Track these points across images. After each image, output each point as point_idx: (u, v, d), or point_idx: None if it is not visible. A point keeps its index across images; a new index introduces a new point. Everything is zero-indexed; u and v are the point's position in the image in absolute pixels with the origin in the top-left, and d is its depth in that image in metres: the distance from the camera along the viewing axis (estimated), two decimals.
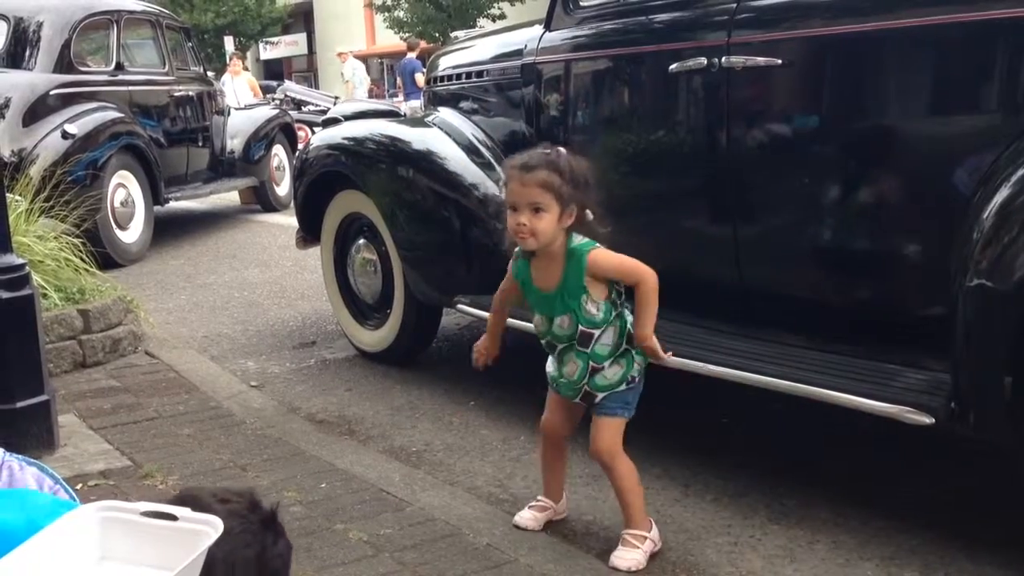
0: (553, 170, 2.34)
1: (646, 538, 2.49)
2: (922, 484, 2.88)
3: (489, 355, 2.71)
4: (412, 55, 16.69)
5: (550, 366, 2.60)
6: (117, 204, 7.07)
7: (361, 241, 4.30)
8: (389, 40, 31.85)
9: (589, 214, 2.42)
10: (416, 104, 13.99)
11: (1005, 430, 2.25)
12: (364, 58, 39.44)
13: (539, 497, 2.72)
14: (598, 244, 2.43)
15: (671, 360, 2.89)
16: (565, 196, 2.34)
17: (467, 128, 4.04)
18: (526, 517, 2.67)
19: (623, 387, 2.47)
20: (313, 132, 8.28)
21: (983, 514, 2.69)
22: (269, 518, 1.30)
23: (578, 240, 2.42)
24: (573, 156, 2.43)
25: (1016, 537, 2.49)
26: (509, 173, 2.42)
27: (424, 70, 15.33)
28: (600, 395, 2.48)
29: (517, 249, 2.52)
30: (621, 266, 2.42)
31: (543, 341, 2.56)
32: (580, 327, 2.44)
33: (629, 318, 2.49)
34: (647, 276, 2.41)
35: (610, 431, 2.49)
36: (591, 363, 2.47)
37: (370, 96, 25.60)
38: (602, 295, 2.43)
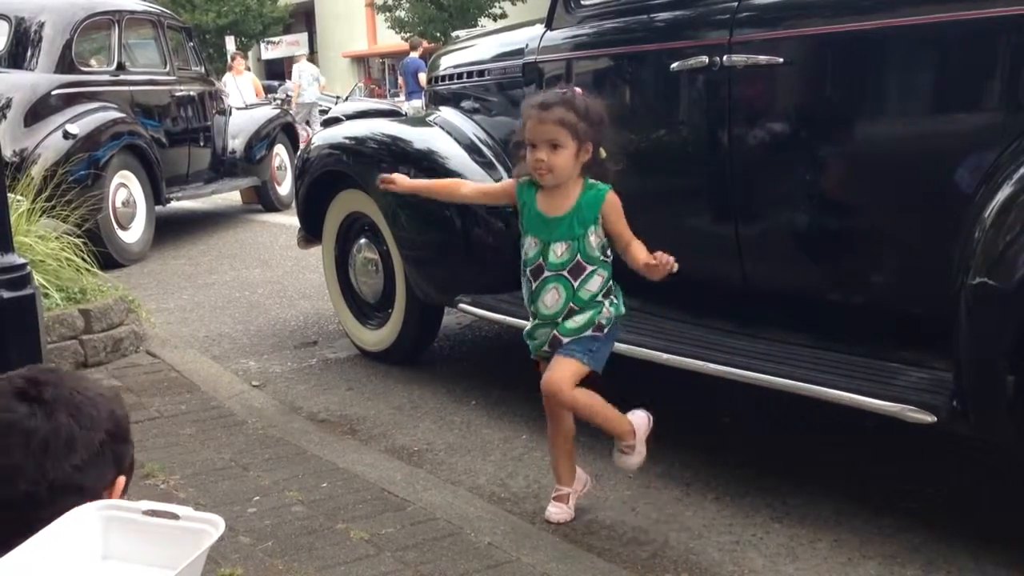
0: (569, 108, 2.45)
1: (634, 443, 2.66)
2: (924, 483, 2.88)
3: (394, 181, 2.85)
4: (414, 54, 16.69)
5: (527, 302, 2.66)
6: (118, 204, 7.06)
7: (362, 240, 4.30)
8: (391, 40, 31.86)
9: (603, 151, 2.52)
10: (418, 103, 14.01)
11: (1007, 429, 2.25)
12: (366, 58, 39.54)
13: (557, 487, 2.74)
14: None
15: (672, 359, 2.90)
16: (581, 133, 2.45)
17: (468, 127, 4.04)
18: (555, 512, 2.72)
19: (588, 331, 2.55)
20: (315, 132, 8.29)
21: (985, 513, 2.68)
22: (21, 390, 1.23)
23: (595, 181, 2.54)
24: (588, 96, 2.55)
25: (1018, 536, 2.49)
26: (527, 112, 2.52)
27: (418, 69, 15.43)
28: (566, 339, 2.57)
29: (525, 177, 2.60)
30: (623, 219, 2.55)
31: (528, 268, 2.61)
32: (578, 256, 2.53)
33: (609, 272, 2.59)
34: (638, 241, 2.55)
35: (564, 369, 2.55)
36: (570, 303, 2.54)
37: (371, 96, 25.63)
38: (601, 235, 2.54)
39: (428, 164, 3.92)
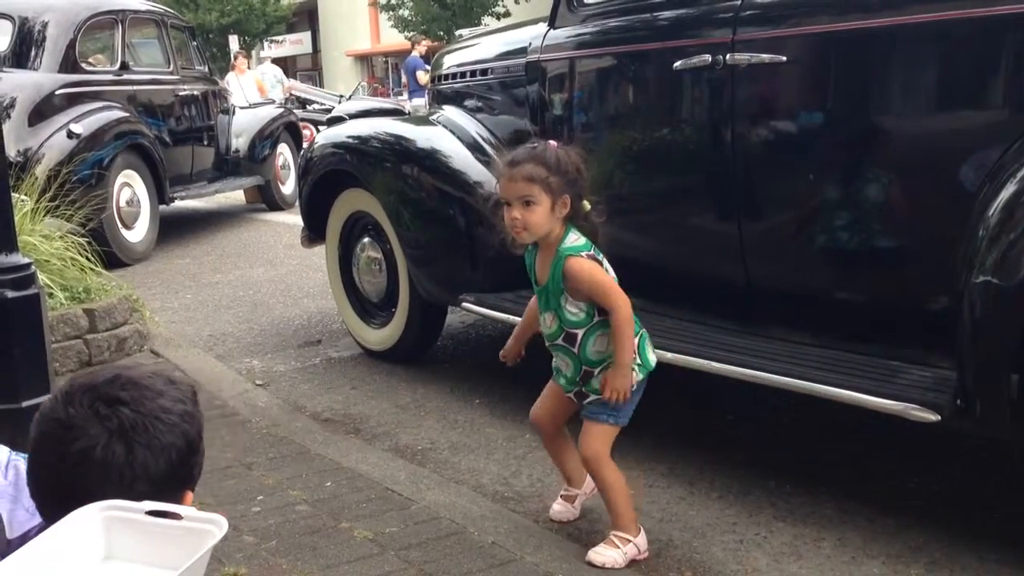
0: (539, 163, 2.37)
1: (630, 541, 2.46)
2: (928, 481, 2.88)
3: (510, 355, 2.72)
4: (415, 53, 16.69)
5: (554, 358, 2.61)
6: (122, 203, 7.08)
7: (366, 240, 4.30)
8: (394, 39, 31.85)
9: (586, 204, 2.43)
10: (419, 102, 14.04)
11: (1010, 427, 2.25)
12: (369, 57, 39.54)
13: (566, 487, 2.74)
14: (589, 248, 2.41)
15: (675, 358, 2.90)
16: (554, 187, 2.36)
17: (472, 126, 4.04)
18: (558, 510, 2.71)
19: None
20: (318, 131, 8.29)
21: (988, 511, 2.68)
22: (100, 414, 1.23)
23: (571, 240, 2.41)
24: (564, 148, 2.45)
25: (1022, 534, 2.49)
26: (500, 171, 2.46)
27: (427, 68, 15.44)
28: (591, 396, 2.48)
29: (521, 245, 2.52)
30: (593, 283, 2.38)
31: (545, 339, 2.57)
32: (564, 327, 2.45)
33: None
34: (620, 304, 2.37)
35: (596, 437, 2.46)
36: (583, 366, 2.47)
37: (374, 95, 25.61)
38: (585, 299, 2.41)
39: (431, 163, 3.92)
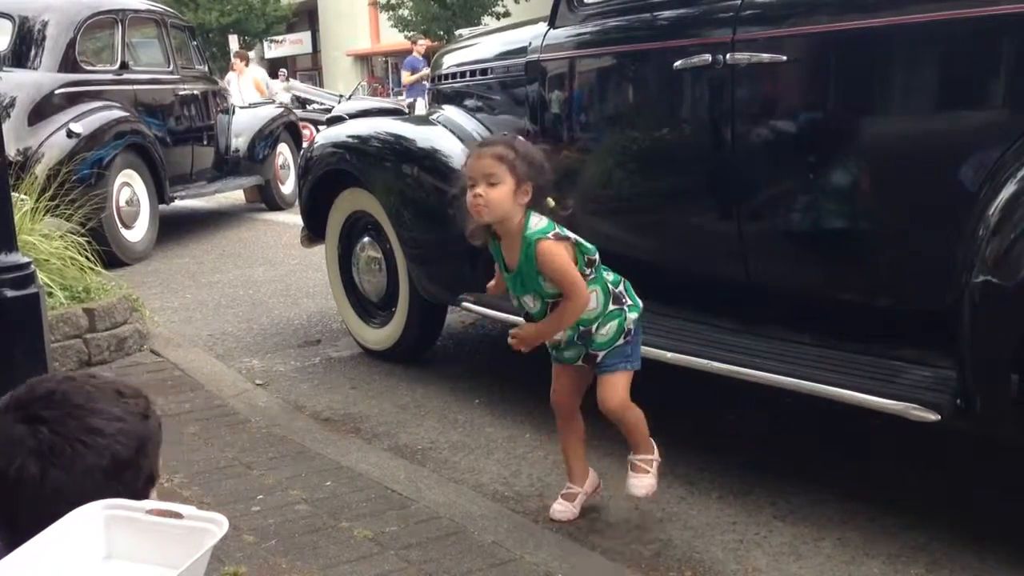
0: (508, 147, 2.47)
1: (653, 460, 2.65)
2: (928, 481, 2.88)
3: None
4: (414, 53, 16.70)
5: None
6: (122, 203, 7.07)
7: (366, 239, 4.30)
8: (394, 38, 31.84)
9: (551, 202, 2.51)
10: (406, 101, 14.19)
11: (1011, 427, 2.25)
12: (369, 56, 39.52)
13: (568, 485, 2.74)
14: (553, 227, 2.48)
15: (675, 358, 2.90)
16: (519, 170, 2.44)
17: (472, 126, 4.04)
18: (559, 509, 2.72)
19: (621, 341, 2.55)
20: (318, 130, 8.28)
21: (989, 511, 2.68)
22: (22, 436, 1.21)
23: (534, 223, 2.48)
24: (531, 143, 2.57)
25: (1022, 535, 2.49)
26: (468, 155, 2.57)
27: (415, 68, 15.52)
28: (601, 353, 2.57)
29: (486, 235, 2.58)
30: (560, 271, 2.46)
31: (523, 314, 2.65)
32: (548, 301, 2.52)
33: (609, 276, 2.57)
34: (577, 296, 2.47)
35: (618, 387, 2.58)
36: (580, 327, 2.54)
37: (374, 94, 25.62)
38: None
39: (431, 163, 3.92)
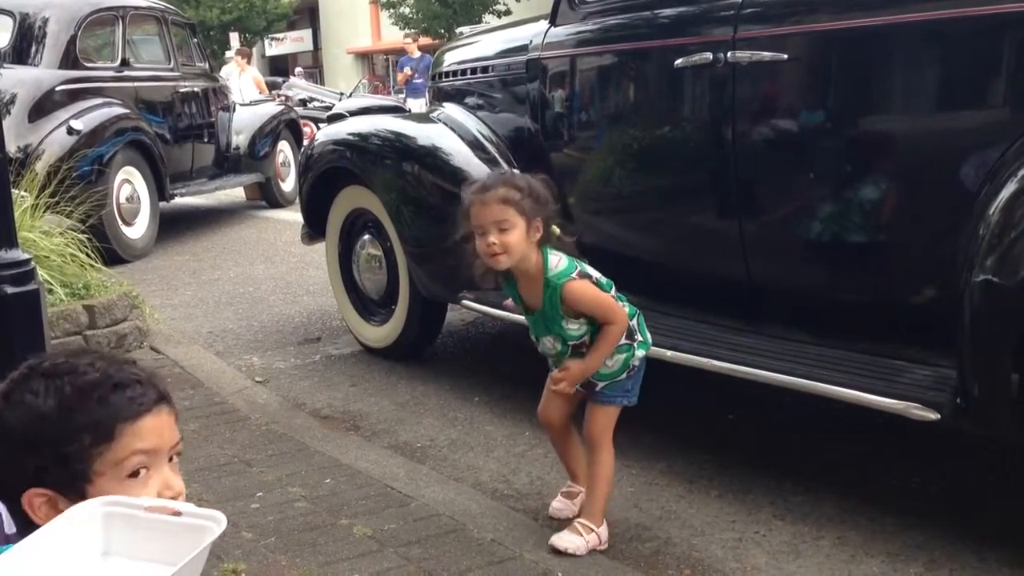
0: (511, 186, 2.37)
1: (593, 531, 2.50)
2: (927, 480, 2.87)
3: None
4: (407, 54, 16.73)
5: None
6: (122, 200, 7.07)
7: (366, 237, 4.30)
8: (395, 36, 31.82)
9: (556, 230, 2.43)
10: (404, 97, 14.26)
11: (1011, 426, 2.25)
12: (370, 54, 39.52)
13: (568, 483, 2.74)
14: (575, 267, 2.42)
15: (676, 356, 2.90)
16: (528, 210, 2.36)
17: (472, 124, 4.04)
18: (558, 507, 2.70)
19: (623, 376, 2.50)
20: (318, 128, 8.28)
21: (988, 511, 2.68)
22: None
23: (554, 263, 2.41)
24: (530, 175, 2.48)
25: (1022, 534, 2.49)
26: (469, 200, 2.41)
27: (407, 68, 15.56)
28: (601, 384, 2.51)
29: (499, 276, 2.52)
30: (595, 303, 2.41)
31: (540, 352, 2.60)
32: (570, 343, 2.47)
33: (625, 308, 2.49)
34: (619, 318, 2.43)
35: (604, 418, 2.52)
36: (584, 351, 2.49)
37: (374, 92, 25.62)
38: (582, 314, 2.44)
39: (432, 161, 3.92)
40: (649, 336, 2.56)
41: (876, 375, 2.54)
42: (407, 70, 16.00)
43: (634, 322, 2.50)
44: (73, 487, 1.20)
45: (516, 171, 2.54)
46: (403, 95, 16.36)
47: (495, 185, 2.39)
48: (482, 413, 3.62)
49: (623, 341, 2.47)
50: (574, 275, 2.40)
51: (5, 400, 1.23)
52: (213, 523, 1.14)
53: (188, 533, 1.13)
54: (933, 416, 2.33)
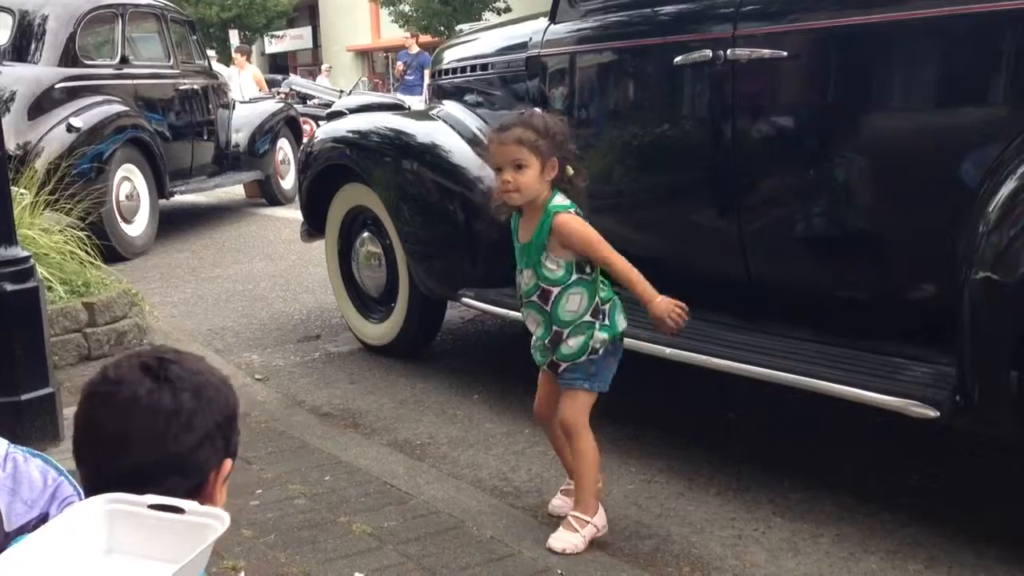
0: (527, 127, 2.46)
1: (588, 523, 2.50)
2: (926, 478, 2.88)
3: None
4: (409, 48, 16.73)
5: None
6: (122, 197, 7.07)
7: (366, 234, 4.30)
8: (394, 34, 31.79)
9: (570, 169, 2.50)
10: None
11: (1010, 424, 2.25)
12: (369, 52, 39.48)
13: (568, 481, 2.74)
14: (577, 209, 2.48)
15: (675, 354, 2.90)
16: (543, 150, 2.44)
17: (472, 121, 4.04)
18: (558, 504, 2.71)
19: (583, 358, 2.49)
20: (318, 126, 8.27)
21: (987, 508, 2.68)
22: (147, 365, 1.28)
23: (558, 200, 2.48)
24: (548, 114, 2.56)
25: (1021, 532, 2.49)
26: (488, 139, 2.55)
27: (400, 63, 15.55)
28: (563, 364, 2.52)
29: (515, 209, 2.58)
30: (583, 237, 2.45)
31: (517, 294, 2.63)
32: (540, 284, 2.50)
33: (603, 292, 2.52)
34: (613, 257, 2.45)
35: (572, 403, 2.52)
36: (553, 326, 2.51)
37: (374, 90, 25.60)
38: (566, 256, 2.47)
39: (431, 158, 3.92)
40: (621, 324, 2.55)
41: (875, 372, 2.54)
42: (400, 65, 16.05)
43: (607, 306, 2.52)
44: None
45: (537, 110, 2.59)
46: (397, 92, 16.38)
47: (513, 125, 2.48)
48: (482, 410, 3.63)
49: (587, 318, 2.49)
50: (571, 211, 2.47)
51: (157, 385, 1.24)
52: (216, 521, 1.14)
53: (191, 531, 1.13)
54: (932, 414, 2.33)
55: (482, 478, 3.03)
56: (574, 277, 2.47)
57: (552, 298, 2.48)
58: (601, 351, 2.49)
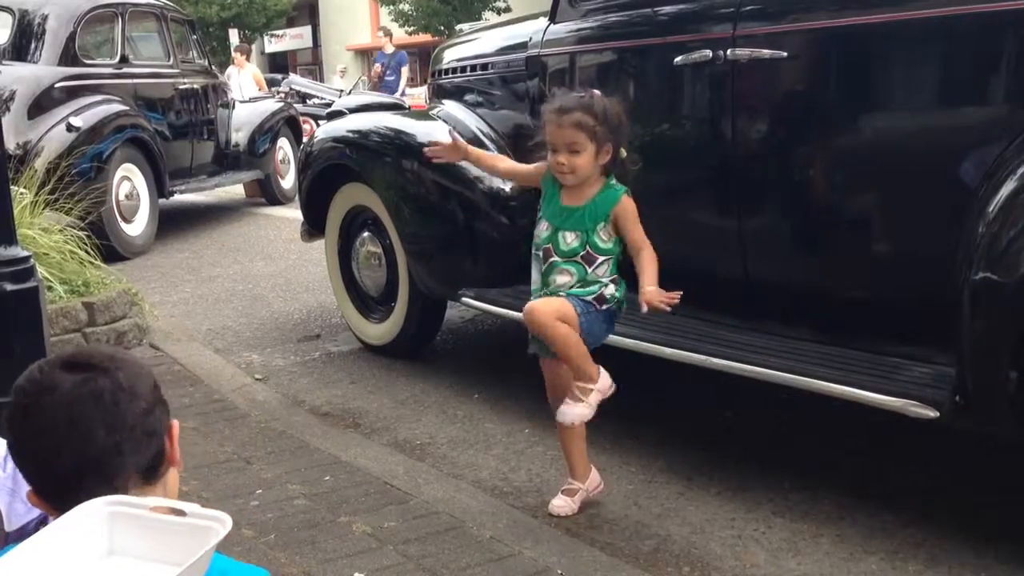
0: (587, 112, 2.53)
1: (591, 390, 2.60)
2: (926, 478, 2.88)
3: (442, 152, 2.96)
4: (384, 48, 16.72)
5: (534, 280, 2.74)
6: (122, 197, 7.07)
7: (366, 234, 4.30)
8: (394, 33, 31.78)
9: (623, 152, 2.61)
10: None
11: (1009, 424, 2.25)
12: (369, 51, 39.42)
13: (569, 480, 2.74)
14: (628, 191, 2.65)
15: (674, 354, 2.90)
16: (599, 135, 2.53)
17: (472, 121, 4.04)
18: (559, 505, 2.72)
19: (590, 297, 2.61)
20: (318, 125, 8.27)
21: (987, 508, 2.68)
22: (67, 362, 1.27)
23: (616, 183, 2.63)
24: (607, 98, 2.62)
25: (1020, 532, 2.49)
26: (547, 116, 2.61)
27: (377, 64, 15.56)
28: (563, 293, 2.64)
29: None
30: (636, 222, 2.62)
31: (539, 250, 2.70)
32: (587, 247, 2.61)
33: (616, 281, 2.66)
34: (647, 244, 2.63)
35: (552, 303, 2.60)
36: (581, 281, 2.62)
37: (372, 89, 25.59)
38: (614, 232, 2.63)
39: None
40: (624, 298, 2.69)
41: (875, 372, 2.55)
42: (377, 66, 16.04)
43: (615, 287, 2.66)
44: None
45: (596, 92, 2.63)
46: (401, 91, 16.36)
47: (572, 108, 2.55)
48: (482, 410, 3.63)
49: (607, 278, 2.62)
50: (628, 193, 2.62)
51: (85, 374, 1.24)
52: (218, 524, 1.14)
53: (192, 534, 1.13)
54: (932, 414, 2.34)
55: (482, 478, 3.03)
56: (618, 251, 2.63)
57: (597, 263, 2.62)
58: (606, 306, 2.63)
